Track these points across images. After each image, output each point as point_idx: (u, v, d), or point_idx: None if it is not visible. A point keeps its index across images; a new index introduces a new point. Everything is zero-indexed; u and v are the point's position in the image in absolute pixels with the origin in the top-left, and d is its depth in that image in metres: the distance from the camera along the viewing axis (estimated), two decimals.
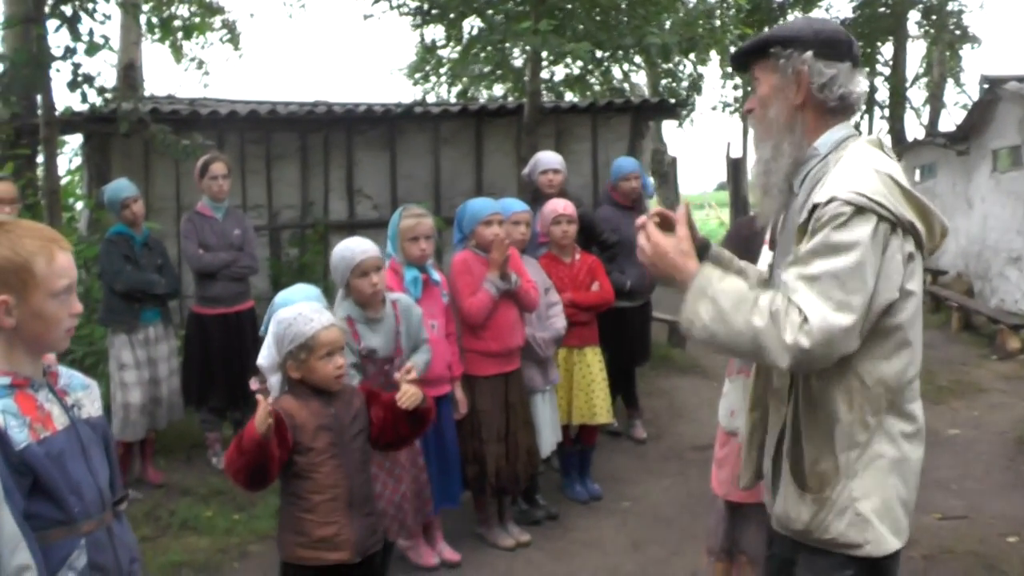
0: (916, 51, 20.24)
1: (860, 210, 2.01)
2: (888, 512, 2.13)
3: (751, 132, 3.46)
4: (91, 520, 2.15)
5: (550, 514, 5.17)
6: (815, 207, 2.06)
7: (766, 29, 2.91)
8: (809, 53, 2.19)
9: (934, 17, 17.12)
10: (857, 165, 2.10)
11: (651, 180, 14.38)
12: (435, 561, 4.56)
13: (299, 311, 3.07)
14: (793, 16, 15.39)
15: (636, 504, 5.44)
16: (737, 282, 2.13)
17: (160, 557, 4.65)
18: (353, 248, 3.95)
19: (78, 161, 9.68)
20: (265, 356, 3.15)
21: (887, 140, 2.36)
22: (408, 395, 3.16)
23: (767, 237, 3.47)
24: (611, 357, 5.89)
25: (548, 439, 5.04)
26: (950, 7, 17.31)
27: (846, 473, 2.12)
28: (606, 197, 6.44)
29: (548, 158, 5.96)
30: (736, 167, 18.13)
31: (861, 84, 2.24)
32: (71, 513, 2.10)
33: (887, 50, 22.11)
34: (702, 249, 2.47)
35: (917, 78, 23.49)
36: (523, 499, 5.18)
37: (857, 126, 2.35)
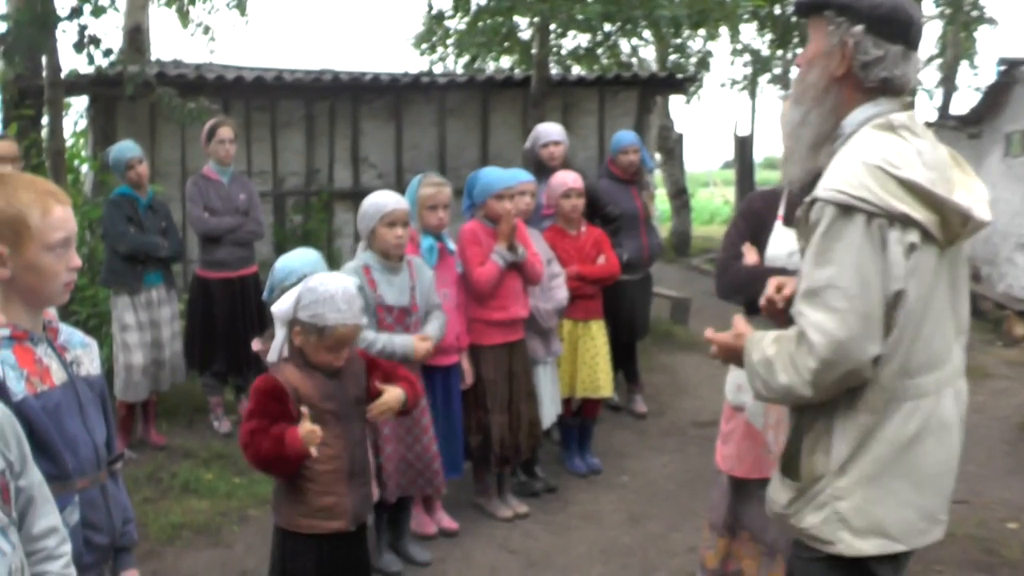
0: (930, 32, 19.95)
1: (845, 209, 1.91)
2: (870, 514, 2.05)
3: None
4: (85, 477, 2.15)
5: (549, 487, 5.16)
6: (812, 203, 1.98)
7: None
8: (860, 27, 2.04)
9: None
10: (848, 157, 1.98)
11: (657, 155, 14.28)
12: (434, 530, 4.57)
13: (334, 293, 2.93)
14: None
15: (635, 479, 5.43)
16: (763, 344, 2.07)
17: (161, 519, 4.67)
18: (387, 199, 4.09)
19: (83, 124, 9.62)
20: (283, 309, 3.00)
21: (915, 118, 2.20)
22: (381, 410, 3.14)
23: (781, 212, 3.43)
24: (612, 331, 5.86)
25: (549, 411, 5.03)
26: None
27: (837, 468, 2.04)
28: (605, 170, 6.38)
29: (549, 130, 5.87)
30: (744, 145, 17.99)
31: (913, 69, 2.08)
32: (65, 469, 2.08)
33: None
34: None
35: (931, 59, 23.22)
36: (522, 471, 5.17)
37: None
